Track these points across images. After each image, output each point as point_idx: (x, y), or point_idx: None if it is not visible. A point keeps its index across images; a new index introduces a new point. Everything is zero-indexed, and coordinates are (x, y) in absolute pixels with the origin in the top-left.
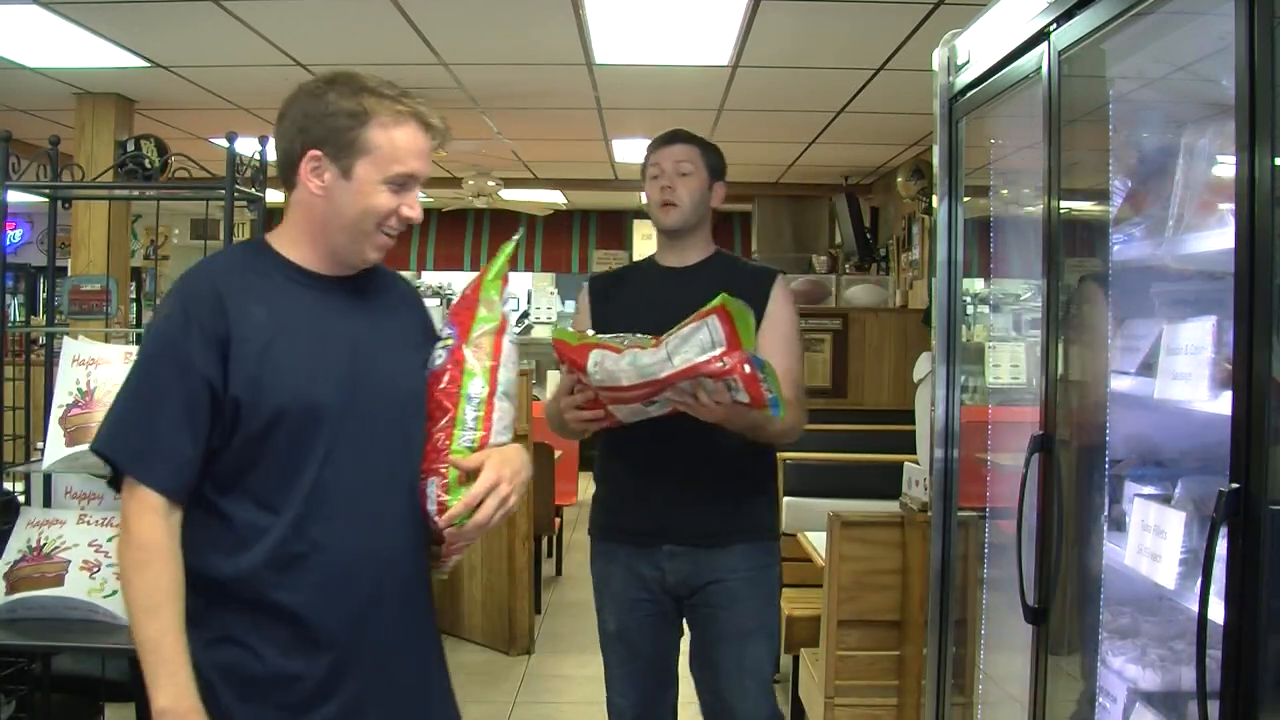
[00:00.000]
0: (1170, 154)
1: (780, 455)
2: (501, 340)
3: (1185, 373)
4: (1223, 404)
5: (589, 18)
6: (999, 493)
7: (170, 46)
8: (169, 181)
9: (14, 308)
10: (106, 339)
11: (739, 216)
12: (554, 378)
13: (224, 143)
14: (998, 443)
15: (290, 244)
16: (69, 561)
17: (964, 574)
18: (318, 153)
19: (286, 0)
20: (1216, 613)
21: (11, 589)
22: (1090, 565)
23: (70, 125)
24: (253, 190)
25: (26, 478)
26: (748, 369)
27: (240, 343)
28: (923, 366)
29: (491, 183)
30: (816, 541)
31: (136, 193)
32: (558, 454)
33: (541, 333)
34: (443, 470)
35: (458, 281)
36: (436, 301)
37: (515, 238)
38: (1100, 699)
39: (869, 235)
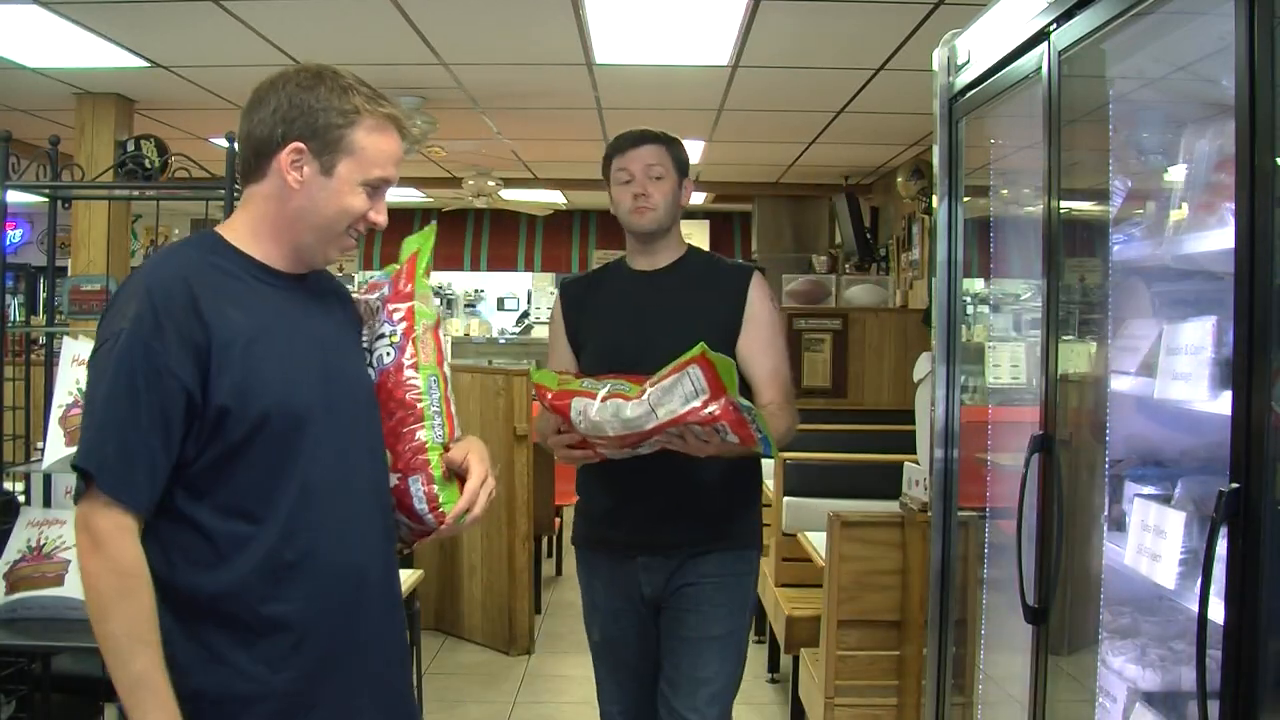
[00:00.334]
0: (1170, 154)
1: (780, 455)
2: (439, 334)
3: (1185, 373)
4: (1223, 404)
5: (589, 18)
6: (999, 493)
7: (170, 46)
8: (169, 181)
9: (14, 308)
10: None
11: (739, 216)
12: None
13: (224, 143)
14: (998, 443)
15: (249, 239)
16: (69, 561)
17: (964, 574)
18: (301, 146)
19: (286, 0)
20: (1216, 613)
21: (11, 589)
22: (1090, 565)
23: (70, 125)
24: None
25: (26, 478)
26: (734, 415)
27: (221, 349)
28: (923, 366)
29: (491, 183)
30: (816, 541)
31: (136, 193)
32: None
33: (541, 333)
34: (427, 469)
35: (458, 281)
36: (437, 301)
37: (432, 225)
38: (1100, 699)
39: (869, 235)
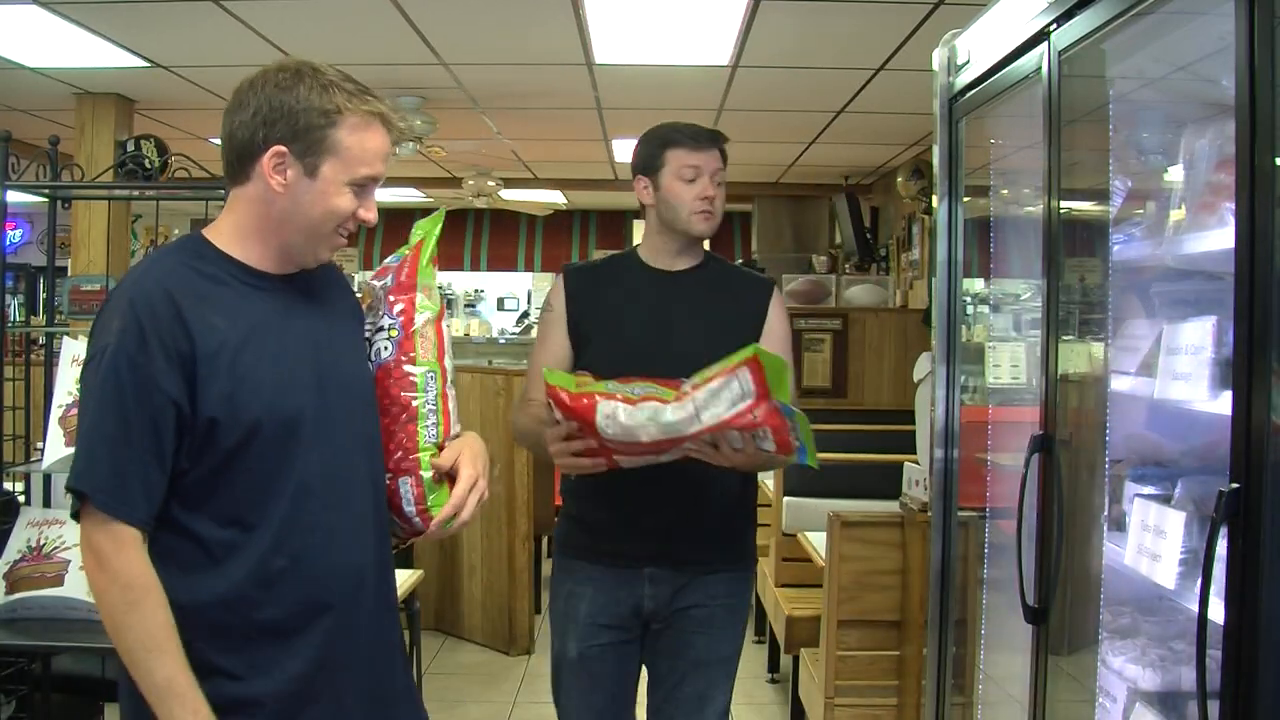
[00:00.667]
0: (1170, 154)
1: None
2: (441, 327)
3: (1185, 373)
4: (1223, 404)
5: (589, 18)
6: (999, 493)
7: (170, 46)
8: (169, 181)
9: (14, 308)
10: None
11: (739, 216)
12: None
13: None
14: (998, 443)
15: (236, 241)
16: (69, 561)
17: (964, 574)
18: (283, 149)
19: (286, 0)
20: (1216, 613)
21: (11, 589)
22: (1090, 565)
23: (70, 125)
24: None
25: (26, 478)
26: (779, 420)
27: (207, 359)
28: (923, 366)
29: (491, 183)
30: (816, 541)
31: (136, 193)
32: None
33: None
34: (416, 470)
35: (458, 282)
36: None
37: (440, 213)
38: (1100, 699)
39: (869, 235)
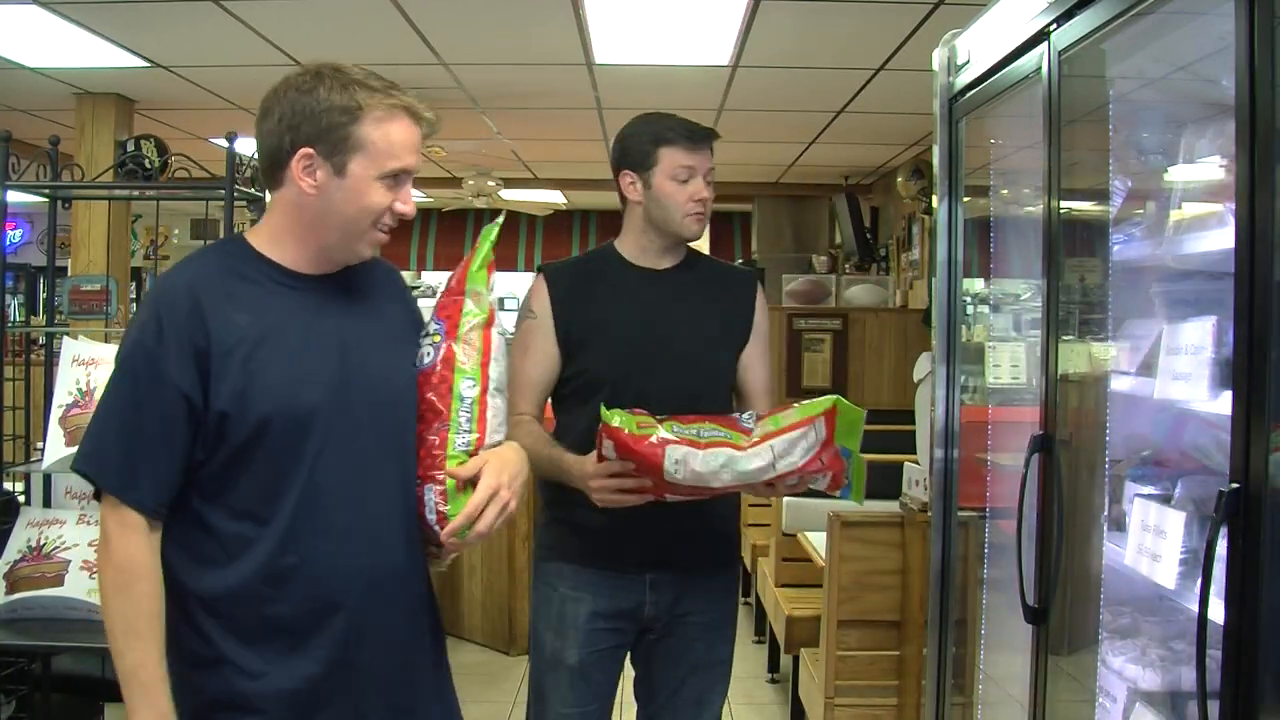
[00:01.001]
0: (1170, 154)
1: None
2: (490, 333)
3: (1185, 373)
4: (1223, 404)
5: (589, 18)
6: (999, 493)
7: (170, 46)
8: (169, 181)
9: (14, 308)
10: (106, 339)
11: (739, 216)
12: None
13: (224, 143)
14: (998, 443)
15: (273, 243)
16: (69, 561)
17: (964, 574)
18: (309, 151)
19: (286, 0)
20: (1216, 613)
21: (11, 589)
22: (1090, 565)
23: (70, 125)
24: (253, 190)
25: (26, 478)
26: (839, 464)
27: (221, 355)
28: (923, 366)
29: (491, 183)
30: (816, 541)
31: (136, 193)
32: None
33: None
34: (440, 477)
35: None
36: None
37: (498, 221)
38: (1100, 699)
39: (869, 235)
